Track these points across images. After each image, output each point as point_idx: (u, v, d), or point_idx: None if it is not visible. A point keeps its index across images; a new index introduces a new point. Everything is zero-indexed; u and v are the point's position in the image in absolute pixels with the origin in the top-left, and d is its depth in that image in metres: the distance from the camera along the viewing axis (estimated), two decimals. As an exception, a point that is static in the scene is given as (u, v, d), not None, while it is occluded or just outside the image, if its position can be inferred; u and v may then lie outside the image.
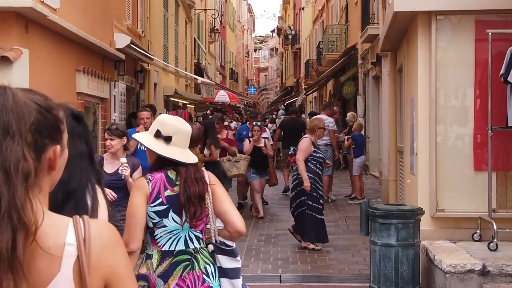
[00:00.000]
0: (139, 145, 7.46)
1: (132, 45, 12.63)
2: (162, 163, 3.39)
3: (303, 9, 43.58)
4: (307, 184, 8.69)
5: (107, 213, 2.50)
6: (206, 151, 10.38)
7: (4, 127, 1.29)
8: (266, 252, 8.88)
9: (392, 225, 6.29)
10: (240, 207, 11.96)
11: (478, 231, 7.05)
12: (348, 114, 16.12)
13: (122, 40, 12.28)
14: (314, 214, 8.81)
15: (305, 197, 8.82)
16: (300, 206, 8.90)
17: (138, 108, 14.79)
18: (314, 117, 11.96)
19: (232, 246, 3.45)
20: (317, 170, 8.92)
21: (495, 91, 6.91)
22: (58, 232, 1.36)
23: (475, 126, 7.27)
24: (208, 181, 3.39)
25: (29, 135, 1.31)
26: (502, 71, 6.76)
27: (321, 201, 8.95)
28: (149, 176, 3.35)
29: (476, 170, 7.29)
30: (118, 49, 12.21)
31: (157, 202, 3.29)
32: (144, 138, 3.49)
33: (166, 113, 18.28)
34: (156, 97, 17.34)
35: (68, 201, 2.21)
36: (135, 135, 3.64)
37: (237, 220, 3.39)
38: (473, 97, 7.28)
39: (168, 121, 3.46)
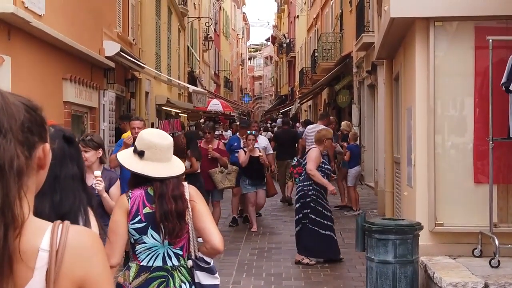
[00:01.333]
0: None
1: (122, 53, 12.34)
2: (136, 178, 3.41)
3: (297, 17, 43.42)
4: (331, 187, 8.45)
5: (97, 231, 2.48)
6: (186, 163, 10.09)
7: None
8: (258, 267, 8.56)
9: (389, 241, 6.00)
10: (235, 222, 11.61)
11: (479, 246, 6.76)
12: (343, 123, 15.87)
13: (111, 48, 11.99)
14: (316, 229, 8.47)
15: (308, 210, 8.50)
16: (300, 221, 8.58)
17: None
18: (322, 127, 11.61)
19: (210, 264, 3.42)
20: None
21: (496, 101, 6.63)
22: (36, 236, 1.35)
23: (475, 137, 6.99)
24: (188, 197, 3.37)
25: (20, 133, 1.33)
26: (503, 80, 6.49)
27: (328, 214, 8.64)
28: (130, 193, 3.38)
29: (476, 182, 7.00)
30: (107, 57, 11.92)
31: (136, 219, 3.32)
32: (123, 153, 3.54)
33: (158, 122, 18.02)
34: (148, 106, 17.04)
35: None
36: (118, 153, 3.61)
37: (215, 238, 3.36)
38: (473, 107, 7.00)
39: (143, 136, 3.46)
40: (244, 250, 9.52)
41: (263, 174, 11.21)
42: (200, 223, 3.37)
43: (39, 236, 1.36)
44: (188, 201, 3.36)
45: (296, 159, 10.22)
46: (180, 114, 22.54)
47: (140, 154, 3.38)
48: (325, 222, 8.54)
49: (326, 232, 8.50)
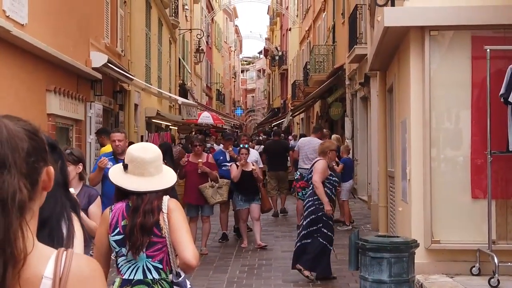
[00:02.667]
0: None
1: (110, 64, 12.05)
2: (118, 191, 3.47)
3: (290, 30, 43.30)
4: (328, 208, 8.21)
5: (83, 242, 2.52)
6: None
7: (1, 161, 1.31)
8: (248, 285, 8.24)
9: (384, 259, 5.72)
10: (225, 237, 11.28)
11: (477, 264, 6.50)
12: (333, 136, 15.63)
13: (98, 59, 11.70)
14: (325, 243, 8.27)
15: (321, 225, 8.28)
16: (311, 234, 8.30)
17: (117, 130, 14.21)
18: (327, 139, 11.53)
19: (180, 277, 3.37)
20: (332, 195, 8.50)
21: (494, 113, 6.40)
22: (40, 264, 1.36)
23: (472, 150, 6.74)
24: (165, 210, 3.35)
25: (24, 165, 1.35)
26: (502, 91, 6.26)
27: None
28: (113, 206, 3.44)
29: (474, 198, 6.75)
30: (94, 68, 11.63)
31: (116, 231, 3.37)
32: (115, 166, 3.59)
33: (148, 135, 17.73)
34: (137, 118, 16.74)
35: (42, 229, 2.03)
36: (112, 168, 3.64)
37: (187, 253, 3.28)
38: (469, 119, 6.76)
39: (129, 149, 3.52)
40: (233, 267, 9.21)
41: (257, 188, 10.70)
42: (174, 236, 3.32)
43: (43, 263, 1.38)
44: (165, 214, 3.34)
45: (298, 173, 9.94)
46: (170, 127, 22.26)
47: (125, 167, 3.43)
48: (333, 237, 8.41)
49: (331, 247, 8.33)
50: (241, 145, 10.95)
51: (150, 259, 3.34)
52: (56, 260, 1.38)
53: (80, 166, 4.86)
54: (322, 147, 8.85)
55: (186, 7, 29.60)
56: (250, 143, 25.02)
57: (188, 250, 3.28)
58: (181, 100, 15.54)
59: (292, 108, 33.72)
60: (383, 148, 10.15)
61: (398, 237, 6.42)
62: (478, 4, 6.60)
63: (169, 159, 9.86)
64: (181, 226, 3.36)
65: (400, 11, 6.80)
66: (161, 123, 20.93)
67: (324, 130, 16.17)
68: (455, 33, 6.76)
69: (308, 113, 32.72)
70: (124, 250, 3.34)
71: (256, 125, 59.50)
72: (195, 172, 9.89)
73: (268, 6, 59.61)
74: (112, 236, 3.37)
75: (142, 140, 17.16)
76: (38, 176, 1.41)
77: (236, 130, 45.73)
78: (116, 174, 3.44)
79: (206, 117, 22.65)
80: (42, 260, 1.38)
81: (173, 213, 3.35)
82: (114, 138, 7.41)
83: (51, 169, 1.46)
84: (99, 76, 11.75)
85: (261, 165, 12.67)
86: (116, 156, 7.26)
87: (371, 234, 10.94)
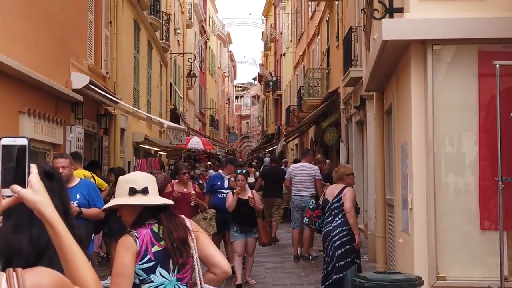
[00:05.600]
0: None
1: (92, 86, 11.44)
2: (140, 218, 3.40)
3: (284, 55, 42.95)
4: (360, 240, 8.08)
5: None
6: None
7: None
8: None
9: (385, 300, 5.06)
10: None
11: (488, 303, 5.81)
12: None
13: (80, 80, 11.08)
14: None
15: (354, 255, 8.05)
16: (351, 264, 7.98)
17: (101, 155, 13.59)
18: (340, 165, 11.12)
19: None
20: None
21: (504, 135, 5.76)
22: None
23: (480, 177, 6.09)
24: (191, 228, 3.43)
25: None
26: (513, 111, 5.63)
27: None
28: (135, 233, 3.35)
29: (483, 229, 6.09)
30: (75, 90, 11.00)
31: (146, 259, 3.32)
32: (112, 201, 3.59)
33: (135, 160, 17.07)
34: (124, 143, 16.09)
35: (41, 258, 2.12)
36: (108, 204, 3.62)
37: (223, 262, 3.48)
38: (477, 142, 6.12)
39: (136, 176, 3.57)
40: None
41: (254, 219, 9.66)
42: (206, 251, 3.44)
43: None
44: (192, 231, 3.42)
45: (314, 202, 9.40)
46: (160, 152, 21.62)
47: (144, 191, 3.40)
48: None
49: None
50: (238, 171, 10.09)
51: (180, 282, 3.38)
52: (8, 280, 1.41)
53: None
54: (337, 174, 8.64)
55: (178, 31, 29.14)
56: (250, 168, 24.50)
57: (222, 260, 3.49)
58: (166, 123, 14.92)
59: (285, 133, 33.19)
60: (381, 174, 9.50)
61: (399, 273, 5.75)
62: (485, 16, 6.00)
63: None
64: (209, 241, 3.58)
65: (399, 23, 6.20)
66: (150, 149, 20.30)
67: (319, 155, 15.79)
68: (460, 47, 6.15)
69: (302, 138, 32.19)
70: (153, 277, 3.32)
71: (250, 151, 59.00)
72: (185, 203, 9.04)
73: (262, 32, 59.48)
74: (141, 264, 3.31)
75: (129, 166, 16.52)
76: None
77: (230, 156, 45.12)
78: (136, 200, 3.39)
79: (196, 142, 22.01)
80: None
81: (199, 232, 3.50)
82: (57, 165, 6.40)
83: None
84: (80, 98, 11.12)
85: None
86: None
87: (368, 267, 10.27)
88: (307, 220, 10.03)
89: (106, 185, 9.62)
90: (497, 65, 5.71)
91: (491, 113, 5.96)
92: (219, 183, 10.53)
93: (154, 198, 3.42)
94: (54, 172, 2.46)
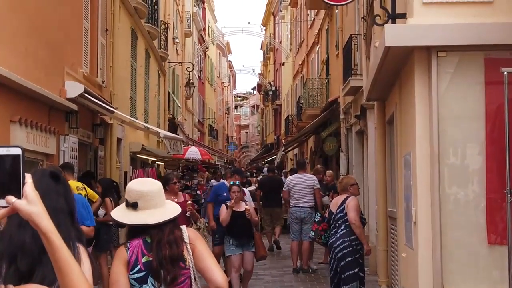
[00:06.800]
0: None
1: (87, 95, 11.18)
2: (132, 231, 3.45)
3: (283, 64, 42.77)
4: (369, 248, 7.99)
5: (91, 272, 2.40)
6: (101, 211, 9.60)
7: None
8: None
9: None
10: None
11: (496, 322, 5.55)
12: (327, 172, 14.86)
13: (74, 89, 10.81)
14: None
15: (358, 268, 7.84)
16: (352, 278, 7.79)
17: (96, 166, 13.33)
18: (343, 176, 11.13)
19: None
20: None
21: (513, 145, 5.52)
22: None
23: (487, 189, 5.83)
24: (187, 240, 3.39)
25: None
26: (522, 120, 5.38)
27: None
28: (128, 244, 3.41)
29: (490, 243, 5.82)
30: (69, 99, 10.73)
31: (136, 269, 3.35)
32: (116, 210, 3.60)
33: (132, 171, 16.81)
34: (120, 153, 15.81)
35: (44, 253, 1.89)
36: (112, 212, 3.63)
37: (218, 277, 3.36)
38: (484, 153, 5.86)
39: (131, 187, 3.50)
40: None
41: (251, 231, 9.18)
42: (202, 263, 3.37)
43: None
44: (188, 244, 3.38)
45: (319, 215, 9.17)
46: (157, 162, 21.34)
47: (134, 206, 3.42)
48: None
49: None
50: (232, 182, 9.69)
51: None
52: None
53: None
54: (341, 185, 8.47)
55: (176, 40, 28.93)
56: (251, 178, 24.22)
57: (219, 275, 3.36)
58: (163, 133, 14.65)
59: (284, 143, 32.95)
60: (382, 185, 9.24)
61: (404, 290, 5.50)
62: (492, 21, 5.76)
63: (111, 195, 10.01)
64: (207, 253, 3.45)
65: (403, 29, 5.95)
66: (147, 159, 20.03)
67: (318, 166, 15.65)
68: (466, 54, 5.90)
69: (301, 148, 31.94)
70: (145, 287, 3.34)
71: (249, 161, 58.78)
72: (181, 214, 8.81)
73: (262, 42, 59.34)
74: (132, 274, 3.35)
75: (126, 176, 16.26)
76: None
77: (229, 166, 44.85)
78: (125, 214, 3.43)
79: (193, 152, 21.73)
80: None
81: (196, 242, 3.41)
82: None
83: None
84: (74, 107, 10.86)
85: (252, 205, 11.41)
86: None
87: (369, 280, 9.99)
88: (313, 234, 9.81)
89: (97, 196, 9.39)
90: (505, 73, 5.49)
91: (498, 123, 5.72)
92: (225, 194, 10.01)
93: (139, 215, 3.39)
94: (58, 173, 2.49)
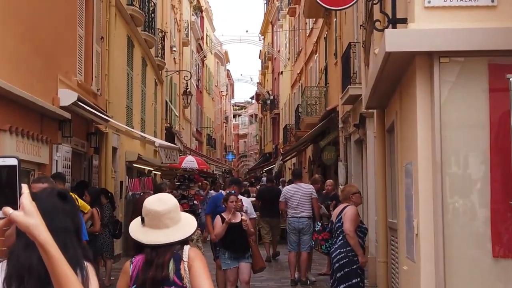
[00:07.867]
0: None
1: (81, 103, 10.97)
2: (136, 245, 3.54)
3: (281, 73, 42.63)
4: (364, 260, 7.74)
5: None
6: (88, 222, 9.51)
7: None
8: None
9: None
10: None
11: None
12: (326, 182, 14.67)
13: (67, 97, 10.61)
14: None
15: (358, 279, 7.64)
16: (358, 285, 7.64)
17: (90, 175, 13.11)
18: (344, 185, 10.93)
19: None
20: (363, 244, 7.95)
21: (518, 154, 5.31)
22: None
23: (492, 200, 5.61)
24: (186, 259, 3.40)
25: None
26: (529, 129, 5.17)
27: None
28: (133, 259, 3.52)
29: (495, 256, 5.59)
30: (63, 107, 10.53)
31: (135, 285, 3.44)
32: (134, 222, 3.64)
33: (128, 180, 16.59)
34: (115, 162, 15.58)
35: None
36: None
37: None
38: (488, 162, 5.64)
39: (145, 202, 3.56)
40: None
41: (247, 243, 8.70)
42: (196, 282, 3.38)
43: None
44: (186, 263, 3.40)
45: (319, 224, 8.92)
46: (154, 172, 21.11)
47: (142, 220, 3.53)
48: None
49: None
50: (228, 191, 9.25)
51: None
52: None
53: None
54: (344, 193, 8.34)
55: (174, 49, 28.76)
56: (251, 188, 23.98)
57: None
58: (158, 142, 14.43)
59: (283, 152, 32.74)
60: (382, 195, 9.02)
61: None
62: (496, 26, 5.57)
63: (98, 205, 9.97)
64: (202, 273, 3.42)
65: (404, 34, 5.75)
66: (144, 168, 19.80)
67: (316, 175, 15.51)
68: (469, 60, 5.69)
69: (300, 157, 31.74)
70: None
71: (248, 170, 58.57)
72: None
73: (260, 51, 59.25)
74: None
75: (121, 186, 16.03)
76: None
77: (227, 176, 44.62)
78: (135, 228, 3.54)
79: (190, 161, 21.51)
80: None
81: (194, 262, 3.40)
82: (34, 191, 6.01)
83: None
84: (67, 115, 10.64)
85: (253, 215, 10.76)
86: None
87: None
88: (313, 243, 9.62)
89: (89, 208, 9.19)
90: (510, 79, 5.27)
91: (503, 131, 5.51)
92: (224, 206, 9.72)
93: (146, 231, 3.49)
94: (66, 193, 2.52)
